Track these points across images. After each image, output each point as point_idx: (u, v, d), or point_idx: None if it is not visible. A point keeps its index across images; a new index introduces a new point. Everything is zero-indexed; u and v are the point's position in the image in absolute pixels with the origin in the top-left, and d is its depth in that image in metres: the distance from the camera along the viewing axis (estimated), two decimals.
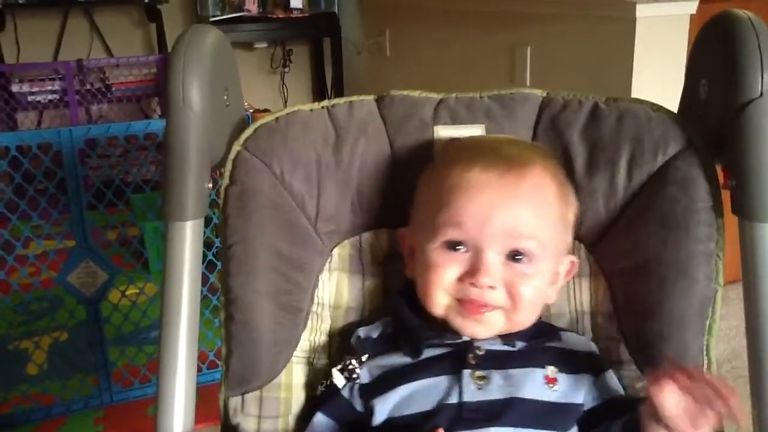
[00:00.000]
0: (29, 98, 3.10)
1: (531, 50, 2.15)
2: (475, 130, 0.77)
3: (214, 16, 3.29)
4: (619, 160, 0.74)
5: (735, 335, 1.76)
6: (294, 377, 0.75)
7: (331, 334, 0.79)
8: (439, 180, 0.71)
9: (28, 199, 1.55)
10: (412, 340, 0.71)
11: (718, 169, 0.71)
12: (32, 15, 3.24)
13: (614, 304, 0.75)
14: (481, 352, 0.69)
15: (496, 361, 0.69)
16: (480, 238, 0.67)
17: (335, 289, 0.79)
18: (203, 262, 1.50)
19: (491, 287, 0.67)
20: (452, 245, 0.68)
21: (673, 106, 0.77)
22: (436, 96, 0.79)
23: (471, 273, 0.67)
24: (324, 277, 0.78)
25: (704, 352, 0.70)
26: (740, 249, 0.67)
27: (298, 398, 0.75)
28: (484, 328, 0.69)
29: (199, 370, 1.70)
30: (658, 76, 1.72)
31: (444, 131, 0.77)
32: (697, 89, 0.73)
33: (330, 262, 0.78)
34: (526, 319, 0.70)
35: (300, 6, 3.42)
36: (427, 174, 0.74)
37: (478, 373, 0.68)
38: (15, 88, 3.09)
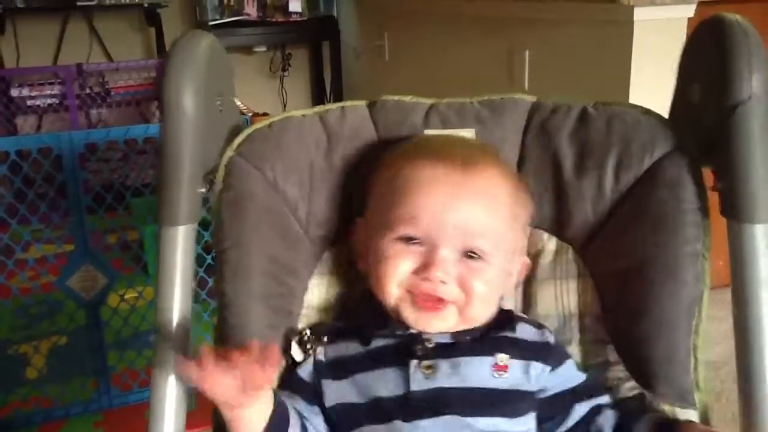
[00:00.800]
0: (29, 102, 3.11)
1: (529, 54, 2.16)
2: (466, 135, 0.78)
3: (213, 20, 3.30)
4: (606, 163, 0.74)
5: (733, 337, 1.76)
6: None
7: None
8: (394, 174, 0.72)
9: (28, 203, 1.55)
10: (361, 330, 0.72)
11: (707, 171, 0.72)
12: (32, 19, 3.24)
13: (602, 306, 0.75)
14: (431, 345, 0.70)
15: (444, 351, 0.69)
16: (434, 234, 0.68)
17: (324, 293, 0.79)
18: (203, 267, 1.51)
19: (443, 282, 0.68)
20: (407, 239, 0.69)
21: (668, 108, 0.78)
22: (427, 101, 0.80)
23: (424, 267, 0.68)
24: (314, 280, 0.79)
25: (692, 353, 0.71)
26: (729, 250, 0.67)
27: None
28: (438, 322, 0.69)
29: None
30: (656, 79, 1.72)
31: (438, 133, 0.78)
32: (688, 92, 0.73)
33: (320, 266, 0.79)
34: (479, 314, 0.71)
35: (299, 10, 3.43)
36: (381, 168, 0.75)
37: (426, 362, 0.68)
38: (15, 92, 3.11)
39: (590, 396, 0.72)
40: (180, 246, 0.68)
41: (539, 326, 0.75)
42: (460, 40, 2.54)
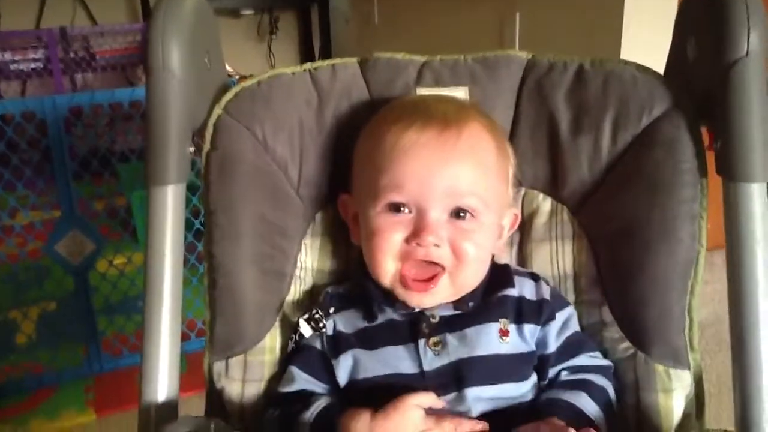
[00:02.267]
0: (12, 67, 3.06)
1: (519, 17, 2.13)
2: (459, 93, 0.76)
3: None
4: (603, 122, 0.73)
5: (719, 300, 1.78)
6: (278, 341, 0.75)
7: (314, 298, 0.78)
8: (376, 143, 0.70)
9: (12, 168, 1.53)
10: (367, 306, 0.72)
11: (704, 130, 0.71)
12: None
13: (597, 267, 0.75)
14: (435, 320, 0.70)
15: (449, 324, 0.70)
16: (422, 198, 0.67)
17: (318, 254, 0.79)
18: (191, 230, 1.50)
19: (436, 245, 0.67)
20: (395, 207, 0.68)
21: (662, 69, 0.76)
22: (420, 58, 0.78)
23: (415, 233, 0.67)
24: (307, 241, 0.78)
25: (686, 313, 0.71)
26: (723, 209, 0.66)
27: (281, 361, 0.75)
28: (431, 298, 0.69)
29: (188, 338, 1.71)
30: (648, 41, 1.70)
31: (427, 93, 0.76)
32: (684, 48, 0.72)
33: (313, 227, 0.78)
34: (471, 277, 0.70)
35: None
36: (363, 137, 0.74)
37: (433, 339, 0.69)
38: None
39: (556, 362, 0.71)
40: (170, 205, 0.66)
41: (536, 279, 0.74)
42: (450, 4, 2.50)
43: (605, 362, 0.73)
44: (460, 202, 0.68)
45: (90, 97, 1.58)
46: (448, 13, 2.52)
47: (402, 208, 0.68)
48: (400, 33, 2.91)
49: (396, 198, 0.68)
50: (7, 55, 3.04)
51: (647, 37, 1.70)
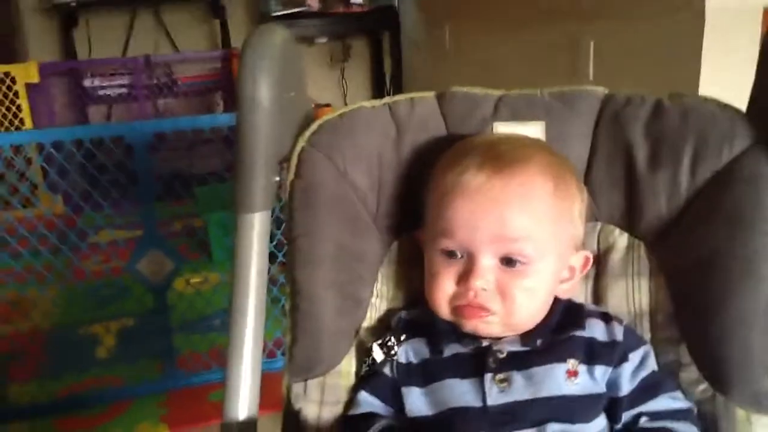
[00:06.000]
0: (100, 92, 3.24)
1: (594, 45, 2.11)
2: (535, 127, 0.77)
3: (275, 12, 3.35)
4: (682, 156, 0.72)
5: None
6: (353, 366, 0.77)
7: (388, 324, 0.79)
8: (435, 185, 0.72)
9: (100, 189, 1.62)
10: (434, 339, 0.73)
11: None
12: (103, 13, 3.36)
13: (675, 305, 0.73)
14: (503, 355, 0.70)
15: (517, 361, 0.69)
16: (471, 244, 0.68)
17: (393, 282, 0.80)
18: None
19: (484, 289, 0.68)
20: (448, 253, 0.70)
21: (743, 102, 0.75)
22: (496, 93, 0.79)
23: (464, 277, 0.69)
24: (383, 269, 0.80)
25: None
26: None
27: (355, 385, 0.77)
28: (485, 326, 0.70)
29: None
30: (727, 71, 1.67)
31: (503, 128, 0.78)
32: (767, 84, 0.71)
33: (389, 256, 0.80)
34: (524, 320, 0.70)
35: (360, 1, 3.44)
36: (431, 177, 0.75)
37: (500, 375, 0.69)
38: (87, 82, 3.23)
39: (632, 405, 0.70)
40: (256, 232, 0.69)
41: (607, 320, 0.73)
42: (522, 30, 2.50)
43: (687, 404, 0.71)
44: (510, 248, 0.68)
45: (174, 123, 1.65)
46: (521, 40, 2.52)
47: (455, 254, 0.70)
48: (472, 59, 2.92)
49: (448, 245, 0.70)
50: (96, 81, 3.22)
51: (727, 70, 1.67)
